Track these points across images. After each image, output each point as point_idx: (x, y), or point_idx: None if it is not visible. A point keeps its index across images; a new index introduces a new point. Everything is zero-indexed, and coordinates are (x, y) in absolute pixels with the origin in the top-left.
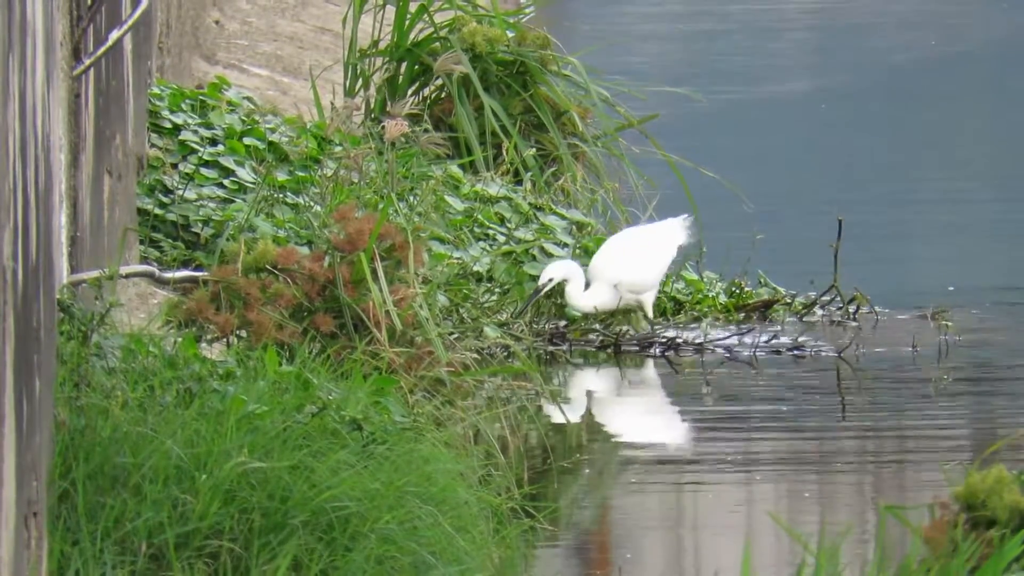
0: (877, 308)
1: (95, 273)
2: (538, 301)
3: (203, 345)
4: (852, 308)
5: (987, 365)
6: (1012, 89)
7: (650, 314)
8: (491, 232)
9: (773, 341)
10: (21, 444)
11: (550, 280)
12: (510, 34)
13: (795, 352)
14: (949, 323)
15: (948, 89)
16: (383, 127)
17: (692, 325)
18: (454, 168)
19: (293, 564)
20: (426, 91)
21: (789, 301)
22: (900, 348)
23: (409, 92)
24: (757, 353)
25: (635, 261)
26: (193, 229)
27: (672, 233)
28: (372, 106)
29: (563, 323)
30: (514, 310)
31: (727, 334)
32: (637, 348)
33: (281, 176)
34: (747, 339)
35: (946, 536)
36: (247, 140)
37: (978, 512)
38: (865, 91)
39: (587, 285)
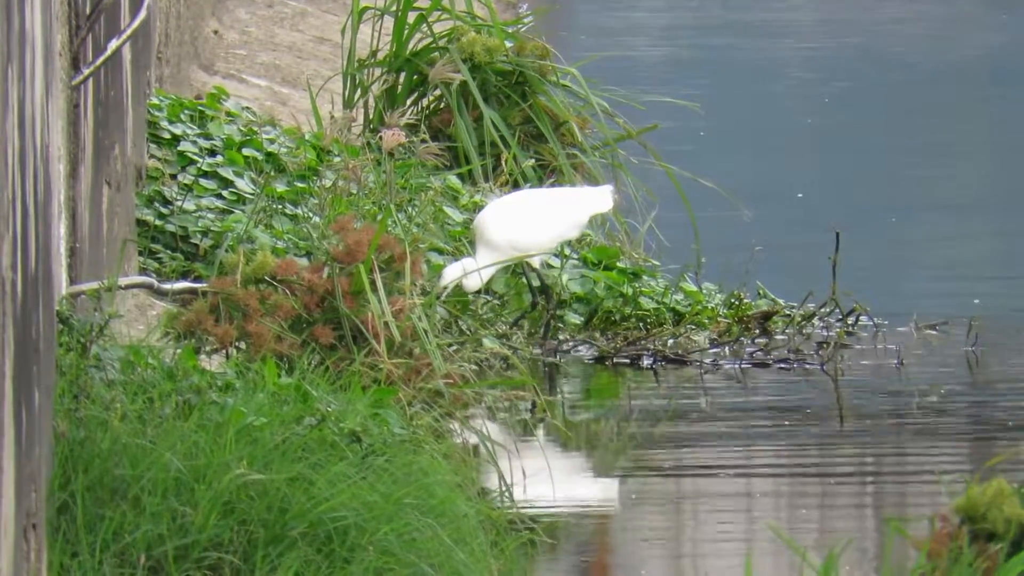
0: (877, 320)
1: (94, 284)
2: (533, 313)
3: (202, 357)
4: (851, 320)
5: (989, 378)
6: (1013, 100)
7: (539, 279)
8: None
9: (764, 353)
10: (20, 456)
11: (444, 289)
12: (509, 44)
13: (784, 365)
14: (935, 334)
15: (949, 100)
16: (381, 138)
17: (692, 337)
18: (453, 179)
19: None
20: (425, 101)
21: (788, 313)
22: (896, 361)
23: (408, 102)
24: (752, 366)
25: (521, 219)
26: (192, 240)
27: (581, 200)
28: (371, 116)
29: (560, 334)
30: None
31: (721, 346)
32: (628, 360)
33: (280, 187)
34: (739, 350)
35: (946, 548)
36: (246, 151)
37: (978, 525)
38: (866, 102)
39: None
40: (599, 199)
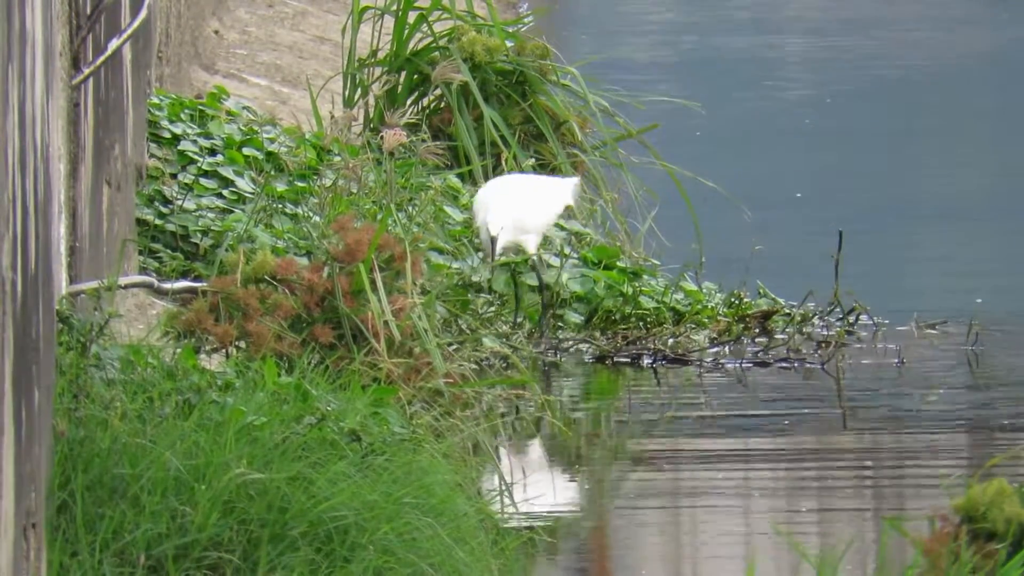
0: (877, 319)
1: (94, 284)
2: (525, 306)
3: (202, 356)
4: (852, 319)
5: (989, 378)
6: (1014, 100)
7: (537, 278)
8: None
9: (764, 352)
10: (20, 455)
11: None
12: (509, 44)
13: (785, 364)
14: (936, 334)
15: (949, 100)
16: (382, 137)
17: (691, 336)
18: (453, 178)
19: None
20: (425, 101)
21: (788, 312)
22: (896, 360)
23: (408, 102)
24: (753, 365)
25: (521, 200)
26: (192, 239)
27: (561, 189)
28: (371, 116)
29: (560, 333)
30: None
31: (722, 345)
32: (628, 360)
33: (280, 186)
34: (739, 350)
35: (946, 548)
36: (246, 150)
37: (978, 524)
38: (866, 102)
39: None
40: (569, 191)
